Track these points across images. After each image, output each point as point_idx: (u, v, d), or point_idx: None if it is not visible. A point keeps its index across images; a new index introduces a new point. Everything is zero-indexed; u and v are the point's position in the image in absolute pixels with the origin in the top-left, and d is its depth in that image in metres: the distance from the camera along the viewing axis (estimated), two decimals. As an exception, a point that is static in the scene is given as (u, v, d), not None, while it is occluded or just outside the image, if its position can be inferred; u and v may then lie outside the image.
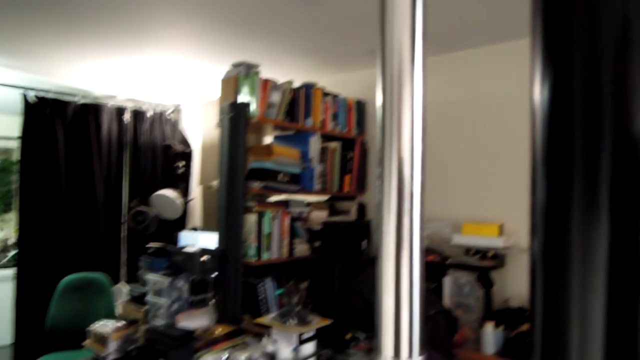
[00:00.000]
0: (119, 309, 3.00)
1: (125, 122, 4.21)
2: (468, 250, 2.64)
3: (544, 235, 0.43)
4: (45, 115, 3.70)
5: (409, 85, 0.49)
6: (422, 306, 0.48)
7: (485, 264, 2.53)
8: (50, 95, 3.75)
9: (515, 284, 2.60)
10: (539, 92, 0.44)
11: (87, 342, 2.20)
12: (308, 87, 2.96)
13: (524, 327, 2.30)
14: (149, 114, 4.37)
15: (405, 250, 0.48)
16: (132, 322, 2.21)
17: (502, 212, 2.66)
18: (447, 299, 2.56)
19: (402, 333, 0.48)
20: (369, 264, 2.78)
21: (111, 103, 4.12)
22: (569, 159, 0.41)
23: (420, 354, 0.48)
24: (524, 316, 2.41)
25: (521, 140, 2.59)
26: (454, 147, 2.93)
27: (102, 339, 2.13)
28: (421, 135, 0.50)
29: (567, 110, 0.42)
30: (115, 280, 3.73)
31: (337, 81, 3.50)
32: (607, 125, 0.39)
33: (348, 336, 2.23)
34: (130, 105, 4.25)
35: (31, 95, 3.64)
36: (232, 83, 2.71)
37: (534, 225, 0.44)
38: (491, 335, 2.32)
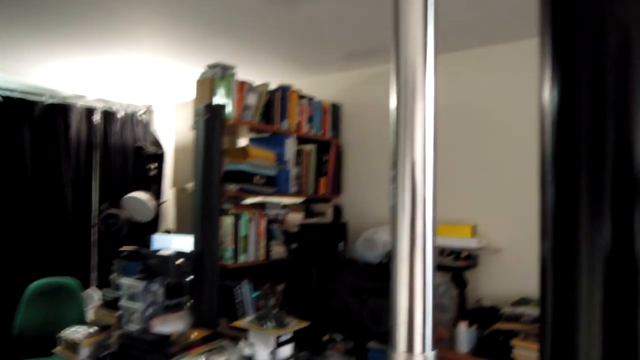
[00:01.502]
0: (90, 315, 2.93)
1: (95, 123, 4.11)
2: (442, 251, 2.68)
3: (554, 236, 0.44)
4: (11, 115, 3.58)
5: (421, 89, 0.50)
6: (434, 304, 0.50)
7: (459, 265, 2.58)
8: (16, 95, 3.63)
9: (488, 283, 2.66)
10: (548, 94, 0.45)
11: (58, 349, 2.14)
12: (284, 90, 2.96)
13: (497, 326, 2.36)
14: (120, 114, 4.28)
15: (419, 251, 0.50)
16: (104, 328, 2.17)
17: (475, 214, 2.72)
18: (422, 299, 2.59)
19: (416, 329, 0.49)
20: (346, 266, 2.80)
21: (80, 103, 4.02)
22: (577, 160, 0.42)
23: (433, 349, 0.50)
24: (496, 315, 2.47)
25: (495, 142, 2.64)
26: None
27: (73, 346, 2.07)
28: (433, 139, 0.52)
29: (574, 112, 0.43)
30: (86, 285, 3.63)
31: (312, 84, 3.50)
32: (610, 126, 0.41)
33: (325, 338, 2.25)
34: (100, 106, 4.16)
35: (-4, 94, 3.52)
36: (207, 84, 2.69)
37: (544, 227, 0.45)
38: (465, 334, 2.36)
